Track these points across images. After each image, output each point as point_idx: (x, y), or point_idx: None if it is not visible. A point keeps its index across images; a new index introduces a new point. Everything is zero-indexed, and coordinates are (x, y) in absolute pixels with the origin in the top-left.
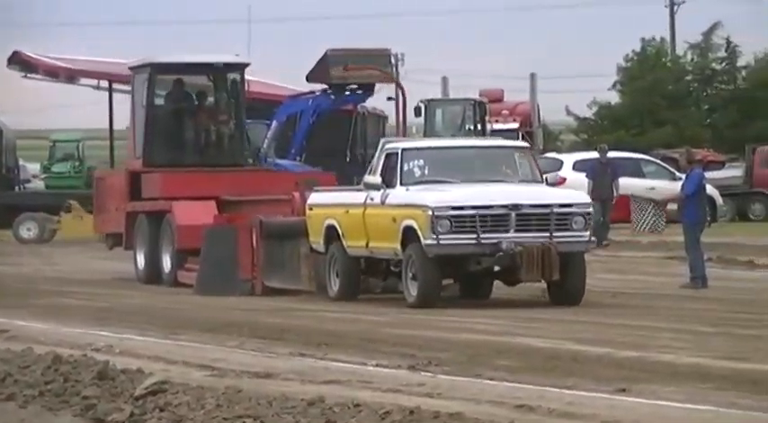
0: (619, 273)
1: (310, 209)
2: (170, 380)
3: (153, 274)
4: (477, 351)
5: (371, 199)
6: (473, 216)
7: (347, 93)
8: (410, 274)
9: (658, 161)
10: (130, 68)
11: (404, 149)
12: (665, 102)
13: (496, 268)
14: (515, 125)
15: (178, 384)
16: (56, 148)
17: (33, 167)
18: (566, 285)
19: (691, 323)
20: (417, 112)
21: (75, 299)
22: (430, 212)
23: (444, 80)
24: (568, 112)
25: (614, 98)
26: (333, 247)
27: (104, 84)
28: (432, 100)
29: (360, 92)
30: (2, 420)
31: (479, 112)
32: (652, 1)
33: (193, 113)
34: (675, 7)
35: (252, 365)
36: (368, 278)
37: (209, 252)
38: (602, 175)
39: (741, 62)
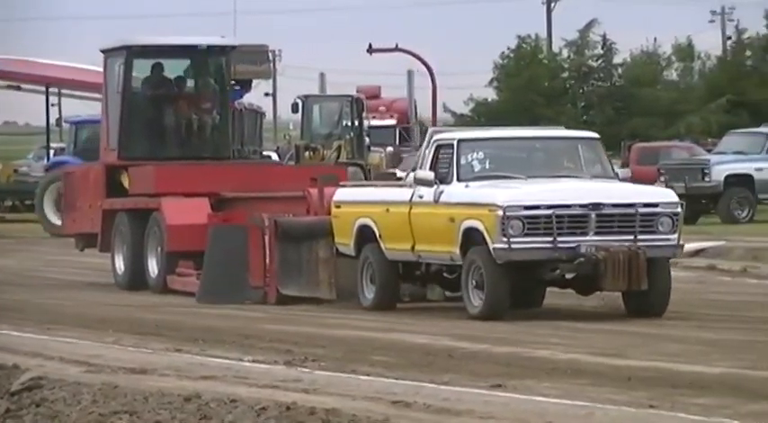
0: None
1: (337, 207)
2: (46, 375)
3: (136, 280)
4: (354, 347)
5: (420, 196)
6: (549, 216)
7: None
8: (473, 282)
9: None
10: (103, 52)
11: (460, 140)
12: (541, 99)
13: (570, 275)
14: (393, 121)
15: (54, 380)
16: None
17: None
18: (650, 295)
19: (566, 319)
20: (294, 108)
21: None
22: (500, 212)
23: (322, 76)
24: (445, 109)
25: (491, 95)
26: (367, 250)
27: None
28: (309, 96)
29: (237, 88)
30: None
31: (357, 108)
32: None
33: (174, 101)
34: (552, 4)
35: (128, 361)
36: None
37: (214, 255)
38: None
39: (617, 59)
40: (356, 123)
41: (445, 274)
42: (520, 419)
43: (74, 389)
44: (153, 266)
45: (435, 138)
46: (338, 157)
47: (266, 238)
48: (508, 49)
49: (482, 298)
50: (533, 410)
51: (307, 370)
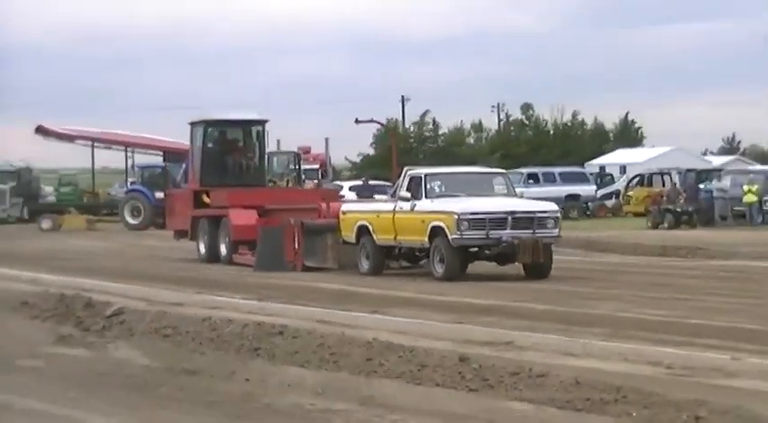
0: None
1: (343, 214)
2: (126, 307)
3: (212, 257)
4: (299, 292)
5: (401, 207)
6: (483, 219)
7: None
8: (437, 258)
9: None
10: (190, 124)
11: (426, 174)
12: (400, 153)
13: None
14: (316, 166)
15: (131, 310)
16: (61, 178)
17: (48, 189)
18: (542, 265)
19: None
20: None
21: (70, 262)
22: (456, 216)
23: (278, 141)
24: (346, 158)
25: (371, 151)
26: (363, 239)
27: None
28: (270, 152)
29: None
30: (24, 327)
31: (297, 158)
32: (390, 99)
33: (229, 152)
34: (406, 102)
35: (173, 298)
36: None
37: (263, 243)
38: (365, 194)
39: (443, 130)
40: (296, 167)
41: (417, 253)
42: (381, 329)
43: (140, 315)
44: (224, 249)
45: (409, 173)
46: (287, 185)
47: (296, 232)
48: (377, 129)
49: (442, 268)
50: (389, 325)
51: (270, 303)
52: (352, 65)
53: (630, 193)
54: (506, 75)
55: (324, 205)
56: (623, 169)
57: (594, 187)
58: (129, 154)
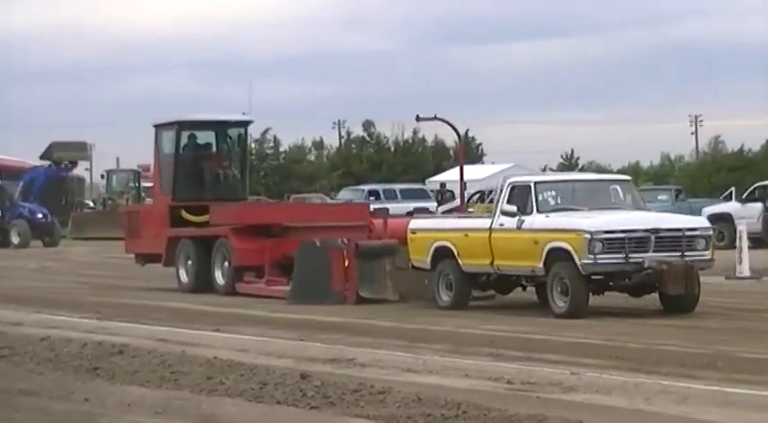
0: None
1: (413, 232)
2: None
3: (201, 286)
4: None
5: (501, 224)
6: (622, 238)
7: (63, 166)
8: (558, 288)
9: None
10: (155, 126)
11: (536, 182)
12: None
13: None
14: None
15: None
16: None
17: None
18: (691, 297)
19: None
20: (102, 176)
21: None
22: (587, 236)
23: (117, 159)
24: None
25: None
26: (443, 265)
27: None
28: (109, 170)
29: (70, 165)
30: None
31: (136, 176)
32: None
33: (207, 160)
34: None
35: (126, 331)
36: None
37: (302, 267)
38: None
39: (284, 147)
40: (136, 184)
41: (524, 282)
42: (223, 347)
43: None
44: (219, 277)
45: (510, 181)
46: (127, 203)
47: (345, 255)
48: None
49: (565, 300)
50: (232, 343)
51: (110, 322)
52: (193, 83)
53: (471, 208)
54: (348, 93)
55: (378, 222)
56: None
57: (435, 204)
58: None
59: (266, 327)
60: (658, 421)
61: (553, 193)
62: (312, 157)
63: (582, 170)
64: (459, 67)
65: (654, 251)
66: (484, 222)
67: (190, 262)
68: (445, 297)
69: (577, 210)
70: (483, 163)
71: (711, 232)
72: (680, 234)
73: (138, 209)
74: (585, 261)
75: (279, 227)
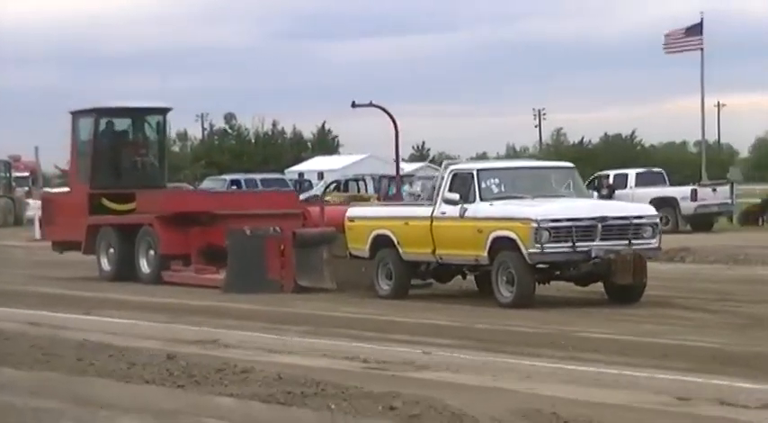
0: None
1: (351, 220)
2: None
3: (124, 274)
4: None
5: (443, 212)
6: (569, 227)
7: None
8: (504, 278)
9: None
10: (72, 113)
11: (479, 170)
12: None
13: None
14: (27, 173)
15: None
16: None
17: None
18: (638, 287)
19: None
20: None
21: None
22: (533, 225)
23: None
24: (56, 167)
25: None
26: (382, 253)
27: None
28: None
29: None
30: None
31: (7, 167)
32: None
33: (125, 147)
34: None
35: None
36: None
37: (235, 256)
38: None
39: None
40: (7, 175)
41: (466, 271)
42: (94, 330)
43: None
44: (144, 265)
45: (451, 168)
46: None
47: (282, 244)
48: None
49: (511, 290)
50: (102, 326)
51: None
52: (61, 76)
53: (328, 197)
54: (210, 87)
55: (314, 209)
56: (321, 175)
57: (294, 193)
58: None
59: (136, 311)
60: (506, 397)
61: (496, 180)
62: (176, 149)
63: (432, 161)
64: (316, 61)
65: (601, 240)
66: (425, 210)
67: (112, 250)
68: (385, 286)
69: (521, 197)
70: (339, 154)
71: (658, 220)
72: (627, 222)
73: (54, 197)
74: (532, 250)
75: (208, 215)
